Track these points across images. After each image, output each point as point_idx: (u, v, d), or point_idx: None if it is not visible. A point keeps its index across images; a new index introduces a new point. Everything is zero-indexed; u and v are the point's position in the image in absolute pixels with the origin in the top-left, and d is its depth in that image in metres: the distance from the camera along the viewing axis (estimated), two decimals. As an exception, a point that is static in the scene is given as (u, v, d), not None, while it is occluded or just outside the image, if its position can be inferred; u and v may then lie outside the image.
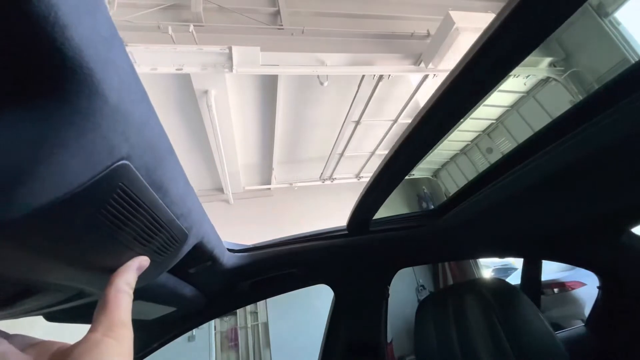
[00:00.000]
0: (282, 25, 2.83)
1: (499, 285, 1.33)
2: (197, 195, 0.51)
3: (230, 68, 2.45)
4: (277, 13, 2.94)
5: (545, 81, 3.81)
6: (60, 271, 0.31)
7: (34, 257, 0.26)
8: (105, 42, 0.22)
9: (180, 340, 1.08)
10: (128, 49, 2.18)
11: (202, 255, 0.66)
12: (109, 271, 0.36)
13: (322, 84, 2.91)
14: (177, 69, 2.39)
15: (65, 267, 0.30)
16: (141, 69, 2.30)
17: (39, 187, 0.21)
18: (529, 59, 3.63)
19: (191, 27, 2.37)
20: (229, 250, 0.89)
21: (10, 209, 0.20)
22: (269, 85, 3.18)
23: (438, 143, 0.63)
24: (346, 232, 1.03)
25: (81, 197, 0.25)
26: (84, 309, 0.50)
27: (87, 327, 0.31)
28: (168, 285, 0.66)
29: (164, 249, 0.43)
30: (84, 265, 0.33)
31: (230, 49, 2.37)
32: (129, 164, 0.28)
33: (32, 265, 0.27)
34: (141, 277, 0.48)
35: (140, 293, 0.59)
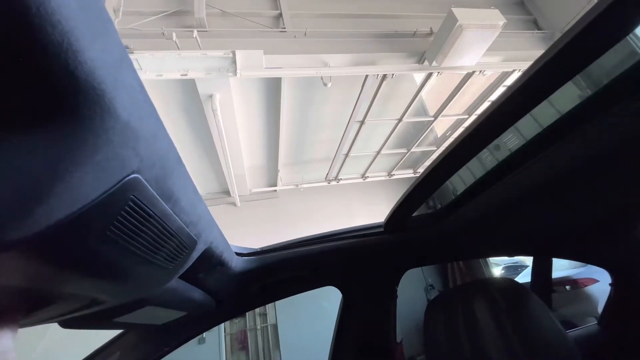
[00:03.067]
0: (284, 28, 2.85)
1: (508, 285, 1.32)
2: (204, 202, 0.51)
3: (235, 72, 2.47)
4: (280, 16, 2.96)
5: (551, 75, 3.74)
6: (75, 282, 0.32)
7: (52, 270, 0.27)
8: (115, 63, 0.23)
9: (191, 342, 1.10)
10: (133, 56, 2.21)
11: (211, 260, 0.67)
12: (121, 279, 0.37)
13: (325, 85, 2.91)
14: (182, 75, 2.42)
15: (80, 277, 0.31)
16: (146, 76, 2.33)
17: (56, 203, 0.22)
18: (534, 52, 3.58)
19: (195, 33, 2.40)
20: (237, 254, 0.90)
21: (31, 225, 0.21)
22: (273, 88, 3.19)
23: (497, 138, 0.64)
24: (377, 230, 1.05)
25: (95, 211, 0.25)
26: (99, 315, 0.51)
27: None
28: (178, 291, 0.67)
29: (174, 256, 0.44)
30: (96, 275, 0.34)
31: (233, 53, 2.39)
32: (140, 177, 0.29)
33: (50, 277, 0.28)
34: (153, 284, 0.49)
35: (151, 298, 0.61)
